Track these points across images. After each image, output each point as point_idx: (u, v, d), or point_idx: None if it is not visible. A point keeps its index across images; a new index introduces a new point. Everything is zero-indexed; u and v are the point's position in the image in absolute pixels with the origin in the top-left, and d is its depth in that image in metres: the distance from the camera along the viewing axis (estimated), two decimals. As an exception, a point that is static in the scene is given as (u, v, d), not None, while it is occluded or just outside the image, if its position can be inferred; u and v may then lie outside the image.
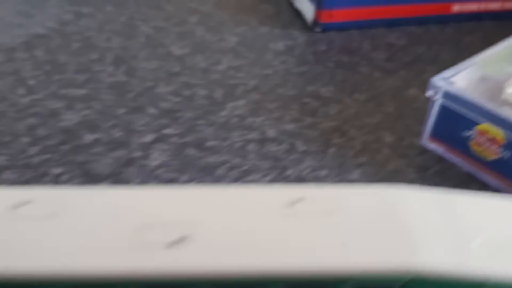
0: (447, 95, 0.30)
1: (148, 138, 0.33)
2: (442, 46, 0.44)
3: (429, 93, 0.31)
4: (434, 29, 0.47)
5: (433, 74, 0.36)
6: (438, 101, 0.31)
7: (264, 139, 0.34)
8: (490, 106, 0.29)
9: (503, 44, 0.35)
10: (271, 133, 0.34)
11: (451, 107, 0.30)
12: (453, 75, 0.31)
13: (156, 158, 0.32)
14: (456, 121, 0.30)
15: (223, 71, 0.40)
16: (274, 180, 0.30)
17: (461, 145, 0.31)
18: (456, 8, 0.48)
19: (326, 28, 0.46)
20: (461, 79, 0.32)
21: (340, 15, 0.46)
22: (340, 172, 0.31)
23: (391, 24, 0.47)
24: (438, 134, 0.32)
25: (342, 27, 0.46)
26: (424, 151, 0.33)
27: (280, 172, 0.31)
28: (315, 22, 0.46)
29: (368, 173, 0.31)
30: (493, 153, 0.29)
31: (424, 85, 0.39)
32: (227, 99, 0.37)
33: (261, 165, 0.32)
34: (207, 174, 0.31)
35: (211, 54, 0.42)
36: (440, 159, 0.33)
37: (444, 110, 0.31)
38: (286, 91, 0.38)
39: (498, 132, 0.28)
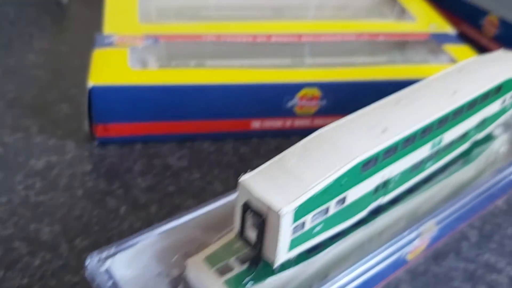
0: (100, 283, 0.26)
1: None
2: (224, 171, 0.40)
3: (86, 273, 0.27)
4: (228, 147, 0.43)
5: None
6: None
7: None
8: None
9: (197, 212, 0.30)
10: None
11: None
12: (120, 251, 0.27)
13: None
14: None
15: (-49, 197, 0.36)
16: None
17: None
18: (257, 125, 0.44)
19: (105, 142, 0.42)
20: (135, 256, 0.27)
21: (119, 129, 0.42)
22: None
23: (182, 139, 0.43)
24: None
25: (125, 141, 0.42)
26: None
27: None
28: (92, 135, 0.42)
29: None
30: None
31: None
32: None
33: None
34: None
35: (-46, 172, 0.38)
36: None
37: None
38: (3, 229, 0.34)
39: None
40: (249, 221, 0.25)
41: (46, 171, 0.39)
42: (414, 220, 0.31)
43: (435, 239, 0.33)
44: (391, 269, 0.31)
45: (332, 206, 0.26)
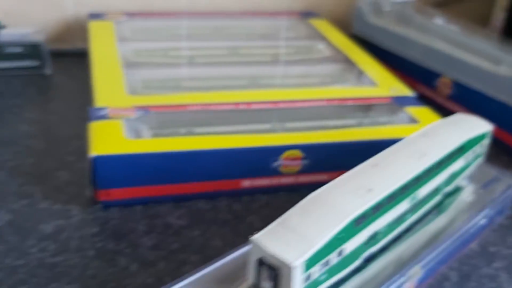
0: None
1: None
2: (222, 228, 0.44)
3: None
4: (222, 205, 0.47)
5: (191, 268, 0.36)
6: None
7: None
8: None
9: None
10: None
11: None
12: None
13: None
14: None
15: (-30, 263, 0.38)
16: None
17: None
18: (246, 183, 0.48)
19: (108, 205, 0.45)
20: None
21: (120, 193, 0.45)
22: None
23: (179, 199, 0.47)
24: None
25: (126, 204, 0.46)
26: None
27: None
28: (94, 199, 0.45)
29: None
30: None
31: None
32: (-48, 304, 0.35)
33: None
34: None
35: (-31, 239, 0.41)
36: None
37: None
38: (24, 291, 0.37)
39: None
40: (264, 274, 0.29)
41: (56, 235, 0.42)
42: (401, 265, 0.36)
43: (420, 281, 0.38)
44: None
45: (333, 258, 0.31)
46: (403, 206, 0.36)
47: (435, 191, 0.40)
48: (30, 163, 0.51)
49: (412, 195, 0.37)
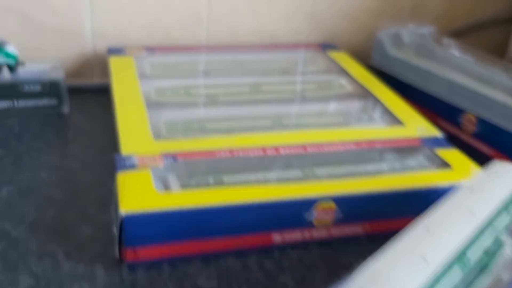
0: None
1: None
2: (254, 289, 0.42)
3: None
4: (252, 262, 0.45)
5: None
6: None
7: None
8: None
9: None
10: None
11: None
12: None
13: None
14: None
15: (-7, 336, 0.36)
16: None
17: None
18: (277, 238, 0.46)
19: (134, 267, 0.43)
20: None
21: (148, 253, 0.43)
22: None
23: (208, 258, 0.45)
24: None
25: (153, 265, 0.44)
26: None
27: None
28: (121, 259, 0.43)
29: None
30: None
31: None
32: None
33: None
34: None
35: (-9, 307, 0.38)
36: None
37: None
38: None
39: None
40: None
41: (82, 301, 0.40)
42: None
43: None
44: None
45: None
46: (457, 274, 0.34)
47: (483, 252, 0.38)
48: (51, 216, 0.49)
49: (464, 260, 0.34)
